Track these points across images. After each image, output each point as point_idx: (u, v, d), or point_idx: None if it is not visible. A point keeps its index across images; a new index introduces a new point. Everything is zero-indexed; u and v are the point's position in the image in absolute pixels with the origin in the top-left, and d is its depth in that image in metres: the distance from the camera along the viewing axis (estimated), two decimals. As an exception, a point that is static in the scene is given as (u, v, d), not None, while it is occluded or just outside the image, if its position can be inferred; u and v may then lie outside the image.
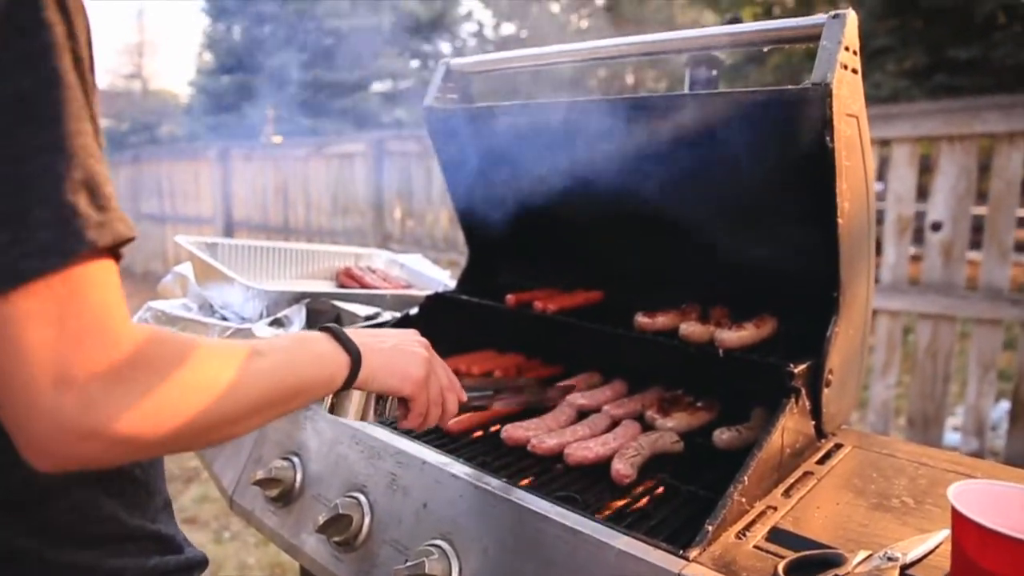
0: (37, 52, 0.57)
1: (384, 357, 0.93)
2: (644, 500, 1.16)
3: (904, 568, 0.87)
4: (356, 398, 0.95)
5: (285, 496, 1.35)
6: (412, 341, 1.00)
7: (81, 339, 0.58)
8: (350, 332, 0.91)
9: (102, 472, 0.79)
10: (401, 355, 0.95)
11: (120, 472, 0.83)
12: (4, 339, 0.56)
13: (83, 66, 0.61)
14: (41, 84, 0.57)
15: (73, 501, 0.77)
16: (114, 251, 0.63)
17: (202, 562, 0.95)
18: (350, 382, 0.89)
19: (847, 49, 1.13)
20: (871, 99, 1.24)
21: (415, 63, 20.42)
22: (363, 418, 0.97)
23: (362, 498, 1.21)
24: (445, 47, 21.16)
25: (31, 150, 0.56)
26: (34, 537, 0.74)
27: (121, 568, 0.81)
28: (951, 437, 3.93)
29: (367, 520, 1.19)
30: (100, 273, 0.61)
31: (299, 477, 1.35)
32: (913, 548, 0.90)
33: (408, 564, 1.05)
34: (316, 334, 0.89)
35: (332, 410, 0.95)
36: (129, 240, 0.63)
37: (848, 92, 1.14)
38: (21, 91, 0.56)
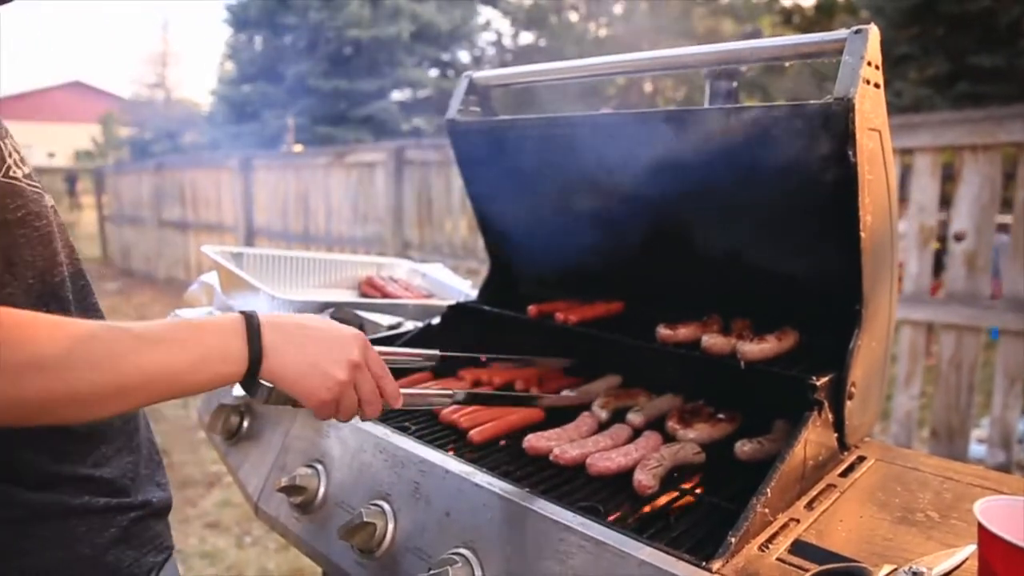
0: None
1: (294, 370, 0.89)
2: (666, 511, 1.16)
3: (929, 583, 0.86)
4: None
5: (309, 503, 1.37)
6: (336, 359, 0.92)
7: None
8: (273, 324, 0.88)
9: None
10: (313, 372, 0.90)
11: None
12: None
13: None
14: None
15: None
16: None
17: (144, 504, 0.98)
18: (248, 381, 0.87)
19: (869, 64, 1.13)
20: (892, 108, 1.24)
21: (434, 72, 20.56)
22: (266, 402, 0.91)
23: (386, 506, 1.23)
24: (464, 56, 21.28)
25: None
26: None
27: (43, 503, 0.88)
28: (976, 449, 3.88)
29: (390, 528, 1.21)
30: None
31: (323, 484, 1.37)
32: (939, 563, 0.89)
33: (431, 572, 1.06)
34: (230, 323, 0.87)
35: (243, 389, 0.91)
36: None
37: (870, 107, 1.15)
38: None
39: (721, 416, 1.41)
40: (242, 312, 0.89)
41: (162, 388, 0.82)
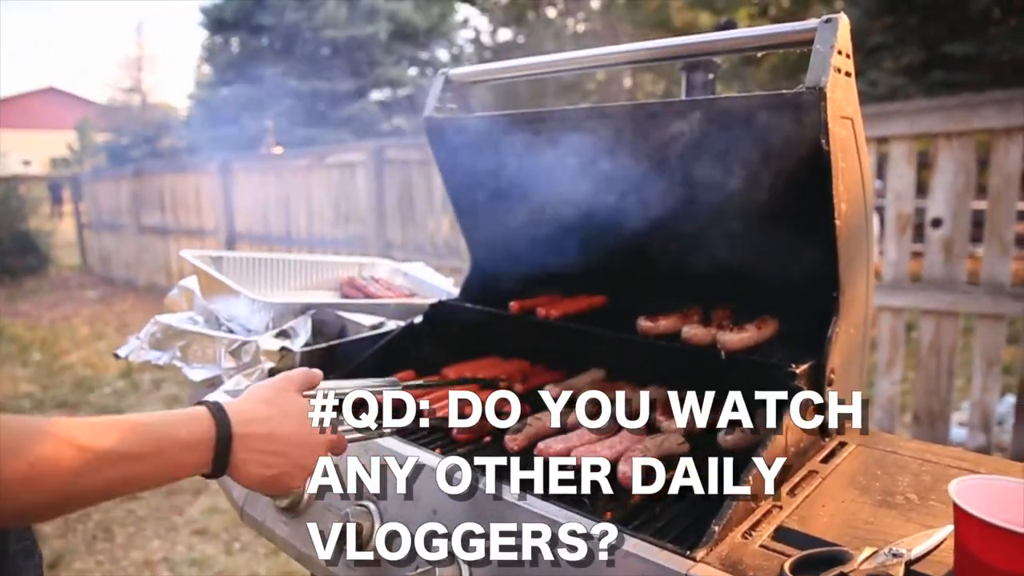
0: None
1: (255, 482, 0.98)
2: (651, 502, 1.16)
3: (909, 564, 0.88)
4: None
5: (295, 506, 1.36)
6: (296, 474, 1.02)
7: None
8: (243, 437, 0.94)
9: None
10: (272, 485, 1.00)
11: None
12: None
13: None
14: None
15: None
16: None
17: None
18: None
19: (840, 53, 1.14)
20: (868, 97, 1.26)
21: (413, 71, 20.50)
22: None
23: (372, 506, 1.23)
24: (442, 54, 21.22)
25: None
26: None
27: None
28: (957, 432, 3.93)
29: (377, 527, 1.20)
30: None
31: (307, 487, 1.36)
32: (918, 544, 0.91)
33: (419, 571, 1.06)
34: (198, 440, 0.91)
35: None
36: None
37: (842, 95, 1.16)
38: None
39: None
40: (213, 417, 0.92)
41: (114, 495, 0.84)
